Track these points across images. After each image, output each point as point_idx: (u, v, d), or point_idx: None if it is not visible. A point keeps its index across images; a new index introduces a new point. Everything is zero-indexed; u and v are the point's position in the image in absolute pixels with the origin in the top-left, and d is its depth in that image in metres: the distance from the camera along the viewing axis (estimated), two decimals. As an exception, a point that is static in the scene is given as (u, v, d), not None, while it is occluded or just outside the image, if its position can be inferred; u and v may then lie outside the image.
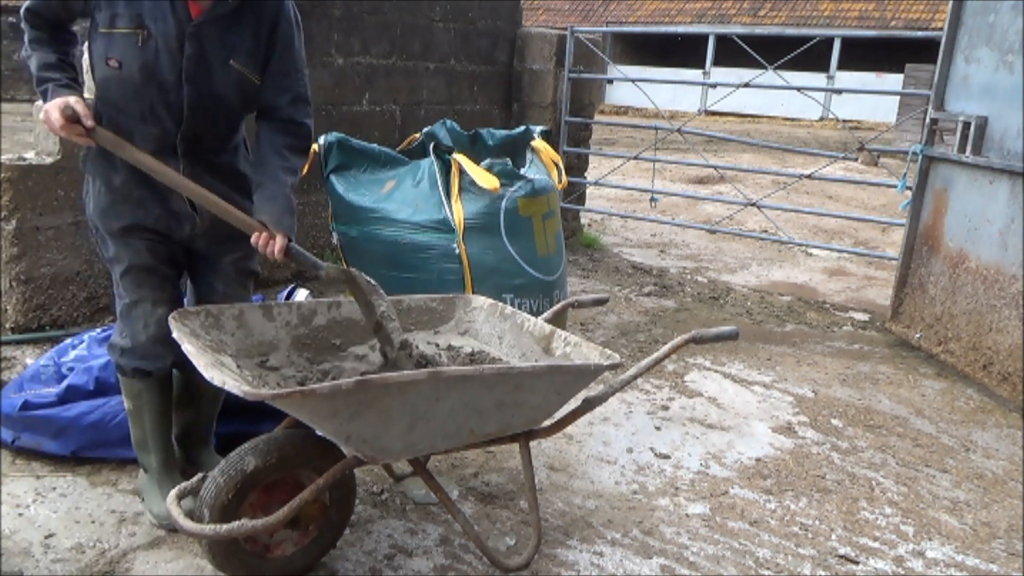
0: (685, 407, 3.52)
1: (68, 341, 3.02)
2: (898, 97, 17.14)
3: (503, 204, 3.57)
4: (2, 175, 3.51)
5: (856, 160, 12.26)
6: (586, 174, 6.84)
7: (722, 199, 7.30)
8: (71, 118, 2.01)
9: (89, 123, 2.04)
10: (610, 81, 22.40)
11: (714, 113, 21.95)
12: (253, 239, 2.17)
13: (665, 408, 3.50)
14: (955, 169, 4.33)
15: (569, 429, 2.83)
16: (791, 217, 7.79)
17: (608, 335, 4.40)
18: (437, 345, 2.57)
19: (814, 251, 6.93)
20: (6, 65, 17.59)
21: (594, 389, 2.53)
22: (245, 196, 2.32)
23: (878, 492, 2.91)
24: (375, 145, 3.95)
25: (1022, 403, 3.73)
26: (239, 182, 2.37)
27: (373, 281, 2.34)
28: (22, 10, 2.17)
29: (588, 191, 7.01)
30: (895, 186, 5.09)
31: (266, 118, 2.32)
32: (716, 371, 3.98)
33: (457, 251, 3.52)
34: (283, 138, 2.29)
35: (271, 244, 2.16)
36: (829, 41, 24.25)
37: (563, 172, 4.11)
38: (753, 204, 6.04)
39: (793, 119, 23.66)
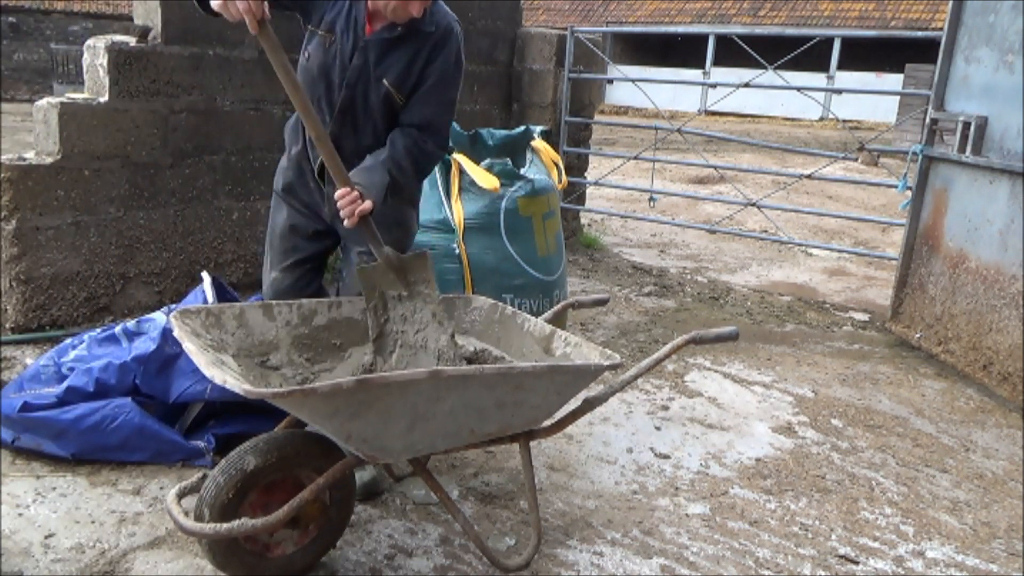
0: (685, 407, 3.52)
1: (68, 341, 3.02)
2: (898, 97, 17.14)
3: (503, 204, 3.57)
4: (2, 175, 3.51)
5: (856, 160, 12.26)
6: (586, 174, 6.84)
7: (722, 199, 7.30)
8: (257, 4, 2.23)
9: (259, 16, 2.29)
10: (610, 81, 22.40)
11: (714, 113, 21.96)
12: (339, 193, 2.27)
13: (665, 408, 3.50)
14: (955, 169, 4.33)
15: (569, 429, 2.83)
16: (791, 217, 7.79)
17: (608, 335, 4.40)
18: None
19: (814, 251, 6.93)
20: (6, 65, 17.58)
21: (594, 389, 2.53)
22: (403, 200, 2.56)
23: (878, 492, 2.91)
24: (375, 145, 3.94)
25: (1022, 403, 3.73)
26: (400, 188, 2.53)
27: (430, 277, 2.36)
28: None
29: (588, 191, 7.01)
30: (895, 186, 5.09)
31: (399, 129, 2.50)
32: (716, 371, 3.98)
33: (457, 251, 3.52)
34: (404, 141, 2.46)
35: (356, 204, 2.26)
36: (829, 41, 24.25)
37: (563, 172, 4.11)
38: (753, 204, 6.04)
39: (793, 119, 23.67)
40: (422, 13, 2.39)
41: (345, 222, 2.28)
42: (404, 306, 2.40)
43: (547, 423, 2.37)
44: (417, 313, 2.39)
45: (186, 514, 1.95)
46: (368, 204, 2.27)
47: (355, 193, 2.26)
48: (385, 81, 2.42)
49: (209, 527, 1.89)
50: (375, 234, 2.32)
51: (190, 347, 1.92)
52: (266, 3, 2.26)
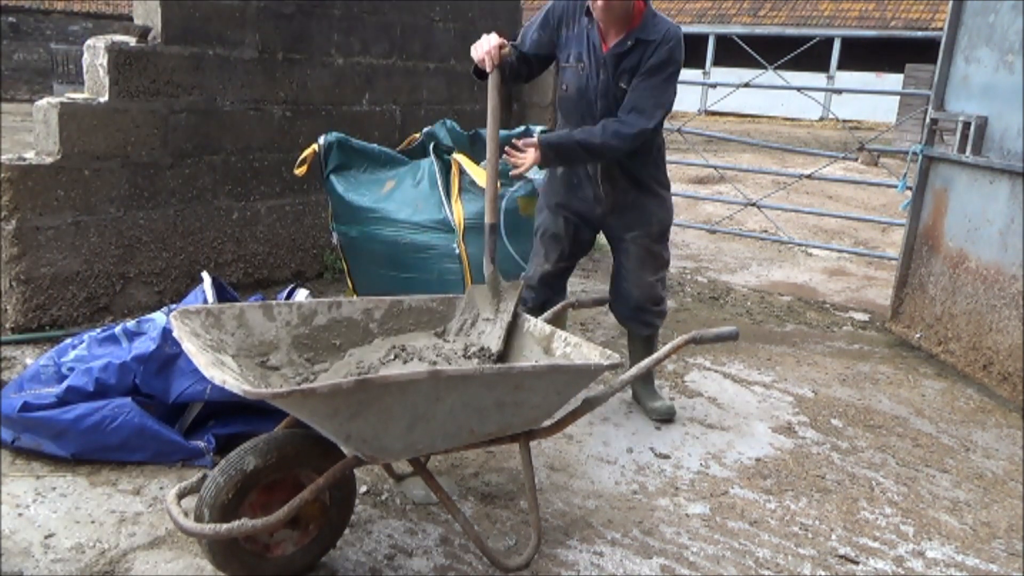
0: (685, 407, 3.52)
1: (68, 341, 3.01)
2: (898, 97, 17.14)
3: (503, 204, 3.57)
4: (2, 175, 3.51)
5: (856, 160, 12.25)
6: (586, 174, 6.82)
7: (722, 199, 7.30)
8: (499, 49, 2.80)
9: (497, 63, 2.79)
10: (610, 81, 22.33)
11: (714, 113, 21.96)
12: (506, 151, 2.84)
13: (665, 408, 3.50)
14: (955, 169, 4.33)
15: (569, 429, 2.83)
16: (791, 217, 7.79)
17: (608, 335, 4.40)
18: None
19: (814, 251, 6.93)
20: (6, 65, 17.57)
21: (594, 389, 2.53)
22: (642, 191, 3.12)
23: (878, 492, 2.91)
24: (375, 145, 3.96)
25: (1022, 403, 3.73)
26: (637, 179, 3.10)
27: (515, 307, 2.61)
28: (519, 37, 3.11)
29: (588, 191, 6.99)
30: (895, 186, 5.09)
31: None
32: (716, 371, 3.98)
33: (457, 251, 3.52)
34: (608, 120, 2.90)
35: (518, 157, 2.88)
36: (829, 41, 24.27)
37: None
38: (753, 204, 6.04)
39: (793, 119, 23.67)
40: (613, 14, 2.86)
41: (511, 173, 2.88)
42: (484, 326, 2.61)
43: (547, 423, 2.37)
44: (486, 335, 2.58)
45: (186, 514, 1.95)
46: (532, 155, 2.84)
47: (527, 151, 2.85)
48: (622, 84, 2.91)
49: (209, 527, 1.89)
50: (493, 248, 2.67)
51: (190, 347, 1.92)
52: (501, 50, 2.80)
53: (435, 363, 2.35)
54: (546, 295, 3.23)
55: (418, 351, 2.42)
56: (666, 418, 3.33)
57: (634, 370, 2.43)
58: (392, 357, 2.39)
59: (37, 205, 3.62)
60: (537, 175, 3.80)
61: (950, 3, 4.40)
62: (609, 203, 3.13)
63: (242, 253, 4.51)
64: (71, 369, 2.79)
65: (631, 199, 3.12)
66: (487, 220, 2.65)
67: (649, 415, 3.36)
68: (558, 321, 2.84)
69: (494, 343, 2.55)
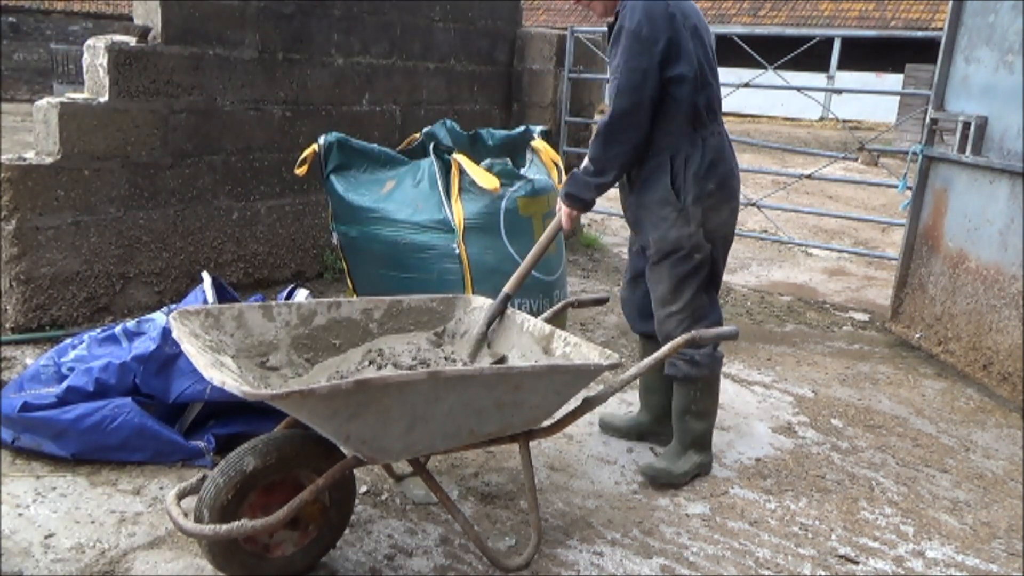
0: (685, 407, 3.52)
1: (68, 341, 3.02)
2: (898, 97, 17.13)
3: (503, 204, 3.57)
4: (2, 175, 3.51)
5: (856, 160, 12.26)
6: (586, 174, 6.82)
7: (722, 199, 7.27)
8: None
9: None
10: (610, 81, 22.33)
11: (714, 113, 21.89)
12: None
13: (665, 408, 3.50)
14: (955, 169, 4.33)
15: (569, 429, 2.83)
16: (791, 217, 7.79)
17: (608, 335, 4.40)
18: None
19: (814, 251, 6.93)
20: (6, 65, 17.57)
21: (594, 389, 2.53)
22: (643, 204, 2.72)
23: (878, 492, 2.91)
24: (375, 145, 3.95)
25: (1022, 403, 3.73)
26: (640, 188, 2.72)
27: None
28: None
29: (588, 191, 6.99)
30: (895, 186, 5.09)
31: None
32: (716, 371, 3.98)
33: (457, 251, 3.52)
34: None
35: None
36: (829, 41, 24.22)
37: (563, 172, 4.10)
38: (753, 204, 6.04)
39: (793, 119, 23.66)
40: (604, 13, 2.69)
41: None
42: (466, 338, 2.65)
43: (547, 423, 2.37)
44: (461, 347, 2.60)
45: (186, 515, 1.95)
46: (564, 213, 2.72)
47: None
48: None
49: (208, 528, 1.89)
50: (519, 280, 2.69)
51: (189, 349, 1.92)
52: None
53: (412, 368, 2.35)
54: (642, 324, 2.97)
55: (395, 356, 2.41)
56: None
57: (634, 370, 2.43)
58: (367, 363, 2.38)
59: (37, 205, 3.62)
60: (538, 175, 3.80)
61: (950, 3, 4.40)
62: (628, 215, 2.87)
63: (242, 253, 4.51)
64: (71, 369, 2.79)
65: (634, 211, 2.79)
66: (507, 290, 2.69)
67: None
68: (558, 320, 2.83)
69: (464, 355, 2.57)
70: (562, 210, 2.74)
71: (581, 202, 2.70)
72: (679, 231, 2.63)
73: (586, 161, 2.67)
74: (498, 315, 2.64)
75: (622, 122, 2.53)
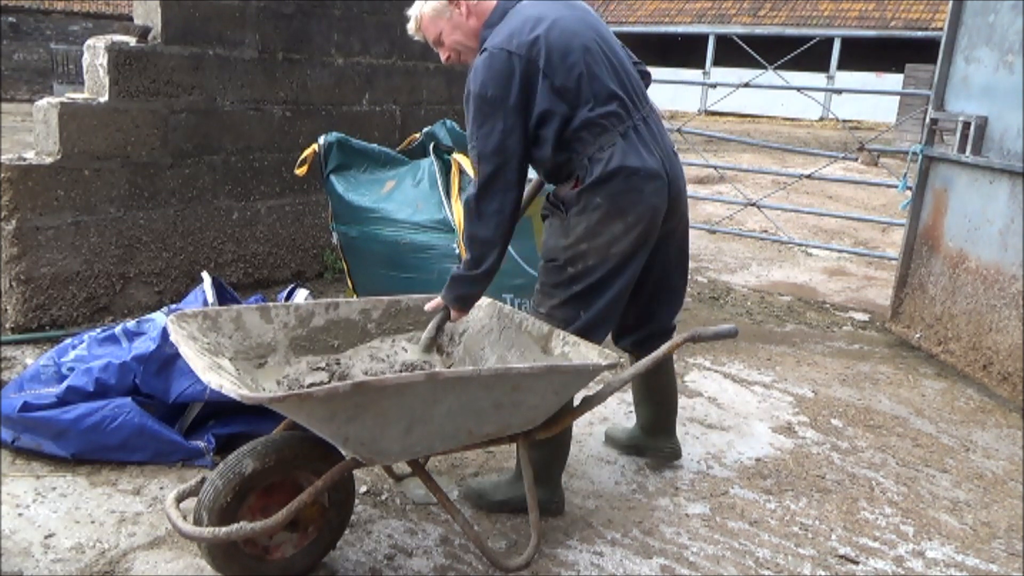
0: (685, 407, 3.52)
1: (68, 341, 3.02)
2: (898, 97, 17.14)
3: (503, 204, 3.56)
4: (2, 175, 3.51)
5: (856, 160, 12.25)
6: (586, 174, 6.82)
7: (722, 199, 7.30)
8: None
9: None
10: (610, 81, 22.32)
11: (714, 113, 21.96)
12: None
13: (665, 408, 3.50)
14: (955, 169, 4.33)
15: (569, 429, 2.82)
16: (791, 217, 7.79)
17: (608, 335, 4.40)
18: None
19: (814, 251, 6.93)
20: (6, 65, 17.59)
21: (593, 389, 2.52)
22: (549, 212, 2.56)
23: (878, 492, 2.91)
24: (375, 145, 3.95)
25: (1022, 403, 3.72)
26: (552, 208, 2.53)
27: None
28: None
29: (588, 191, 6.98)
30: (895, 186, 5.09)
31: None
32: (716, 371, 3.98)
33: (457, 251, 3.52)
34: None
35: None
36: (829, 41, 24.26)
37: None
38: (753, 204, 6.05)
39: (793, 119, 23.67)
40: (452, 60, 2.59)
41: None
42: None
43: (545, 423, 2.37)
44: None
45: (185, 517, 1.95)
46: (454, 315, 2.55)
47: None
48: None
49: (208, 531, 1.89)
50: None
51: (186, 351, 1.92)
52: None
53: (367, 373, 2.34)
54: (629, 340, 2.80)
55: (349, 368, 2.39)
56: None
57: (633, 369, 2.42)
58: (324, 377, 2.35)
59: (37, 205, 3.62)
60: (536, 175, 3.79)
61: (950, 3, 4.40)
62: None
63: (242, 253, 4.51)
64: (71, 369, 2.79)
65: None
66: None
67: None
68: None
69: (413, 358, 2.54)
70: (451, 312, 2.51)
71: (473, 299, 2.51)
72: (556, 241, 2.47)
73: (465, 255, 2.46)
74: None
75: (490, 188, 2.32)
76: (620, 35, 2.74)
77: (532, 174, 2.57)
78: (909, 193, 4.73)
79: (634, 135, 2.40)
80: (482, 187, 2.33)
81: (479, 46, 2.41)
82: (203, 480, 2.05)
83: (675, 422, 2.96)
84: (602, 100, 2.37)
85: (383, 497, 2.62)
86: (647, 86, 2.62)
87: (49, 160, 3.64)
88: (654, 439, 2.96)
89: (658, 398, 2.89)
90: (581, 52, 2.35)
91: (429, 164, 3.69)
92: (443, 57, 2.56)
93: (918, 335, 4.53)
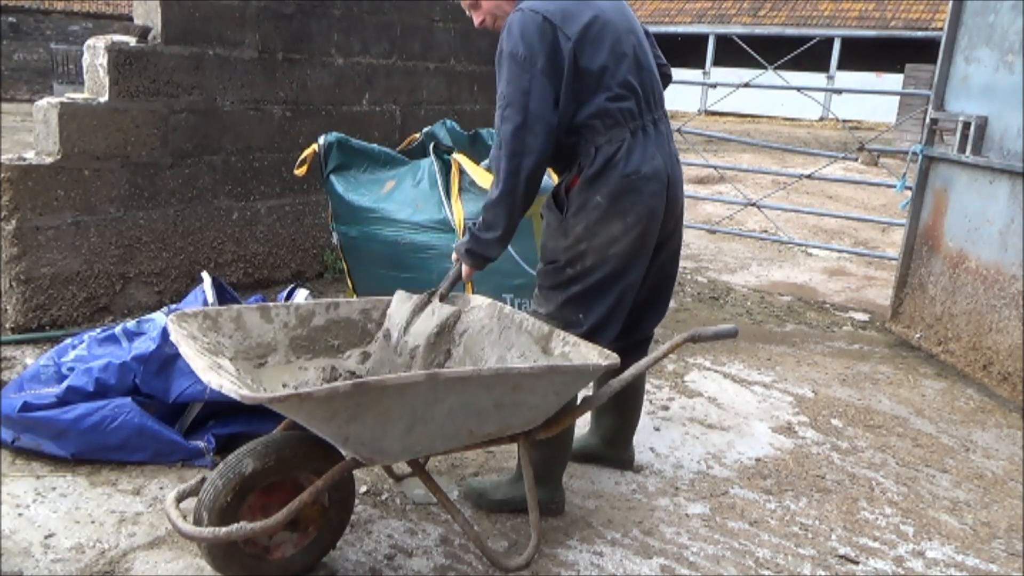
0: (685, 407, 3.52)
1: (68, 341, 3.01)
2: (898, 97, 17.14)
3: (503, 204, 3.56)
4: (2, 175, 3.51)
5: (856, 160, 12.25)
6: (586, 174, 6.81)
7: (722, 199, 7.30)
8: None
9: None
10: (610, 81, 22.33)
11: (714, 113, 21.97)
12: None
13: (665, 408, 3.50)
14: (955, 169, 4.33)
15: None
16: (791, 217, 7.79)
17: (608, 335, 4.39)
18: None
19: (814, 251, 6.93)
20: (6, 65, 17.59)
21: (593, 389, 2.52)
22: (547, 211, 2.54)
23: (878, 492, 2.91)
24: (375, 145, 3.95)
25: (1022, 403, 3.73)
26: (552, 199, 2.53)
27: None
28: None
29: (588, 191, 6.98)
30: (895, 186, 5.09)
31: None
32: (716, 371, 3.98)
33: (457, 251, 3.52)
34: None
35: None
36: (829, 41, 24.27)
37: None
38: (753, 204, 6.05)
39: (793, 119, 23.68)
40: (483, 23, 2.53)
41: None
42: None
43: (545, 423, 2.37)
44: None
45: (184, 517, 1.95)
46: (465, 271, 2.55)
47: None
48: None
49: (208, 531, 1.89)
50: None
51: (187, 351, 1.92)
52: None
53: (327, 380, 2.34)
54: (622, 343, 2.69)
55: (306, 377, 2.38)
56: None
57: (633, 369, 2.42)
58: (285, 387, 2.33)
59: (37, 205, 3.62)
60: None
61: (950, 3, 4.40)
62: None
63: (242, 253, 4.51)
64: (71, 369, 2.79)
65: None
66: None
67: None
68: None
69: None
70: (462, 266, 2.52)
71: (483, 259, 2.48)
72: (555, 242, 2.45)
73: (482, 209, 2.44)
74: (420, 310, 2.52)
75: (509, 147, 2.28)
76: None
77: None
78: (909, 193, 4.73)
79: (643, 135, 2.41)
80: (502, 145, 2.31)
81: None
82: (203, 480, 2.05)
83: (634, 432, 2.91)
84: (620, 93, 2.38)
85: (383, 497, 2.62)
86: (666, 85, 2.65)
87: (49, 160, 3.64)
88: (613, 449, 2.91)
89: (625, 409, 2.84)
90: (612, 42, 2.37)
91: (429, 164, 3.69)
92: (476, 20, 2.54)
93: (918, 335, 4.53)
